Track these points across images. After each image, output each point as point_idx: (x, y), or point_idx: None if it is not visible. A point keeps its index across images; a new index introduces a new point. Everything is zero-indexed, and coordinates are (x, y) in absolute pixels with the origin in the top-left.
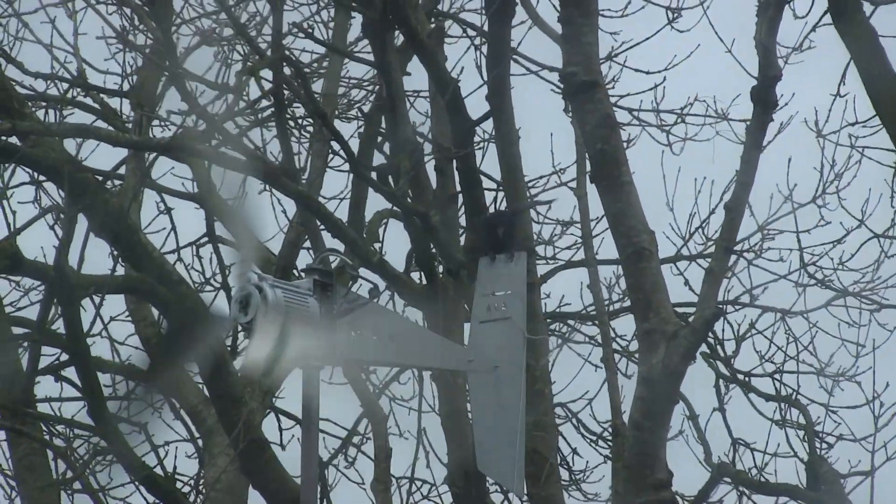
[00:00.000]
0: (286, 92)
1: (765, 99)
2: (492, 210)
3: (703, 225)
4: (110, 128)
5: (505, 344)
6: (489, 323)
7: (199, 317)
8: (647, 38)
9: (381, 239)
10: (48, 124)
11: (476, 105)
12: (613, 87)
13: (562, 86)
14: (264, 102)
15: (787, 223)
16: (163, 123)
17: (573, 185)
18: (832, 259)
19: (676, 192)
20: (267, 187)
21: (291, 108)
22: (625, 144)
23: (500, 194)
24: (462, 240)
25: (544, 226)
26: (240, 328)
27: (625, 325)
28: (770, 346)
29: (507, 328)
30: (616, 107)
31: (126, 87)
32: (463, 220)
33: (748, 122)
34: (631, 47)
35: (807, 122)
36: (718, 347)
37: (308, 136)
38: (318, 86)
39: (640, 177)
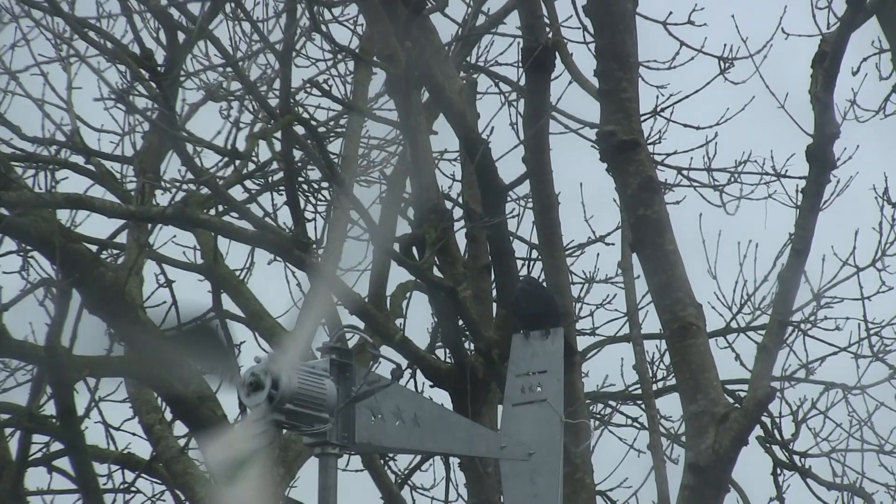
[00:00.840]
0: (298, 153)
1: (821, 159)
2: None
3: (754, 294)
4: (107, 194)
5: (541, 429)
6: (523, 406)
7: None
8: (697, 91)
9: (404, 314)
10: (38, 194)
11: (510, 166)
12: (660, 143)
13: (599, 146)
14: (275, 165)
15: (845, 290)
16: (167, 190)
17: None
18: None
19: (719, 256)
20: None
21: (305, 172)
22: (673, 204)
23: (537, 264)
24: (494, 316)
25: (585, 299)
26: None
27: (669, 405)
28: (825, 423)
29: (542, 411)
30: (663, 165)
31: (124, 147)
32: (495, 294)
33: (803, 184)
34: (679, 101)
35: (875, 190)
36: (775, 430)
37: (324, 202)
38: (334, 147)
39: (684, 241)
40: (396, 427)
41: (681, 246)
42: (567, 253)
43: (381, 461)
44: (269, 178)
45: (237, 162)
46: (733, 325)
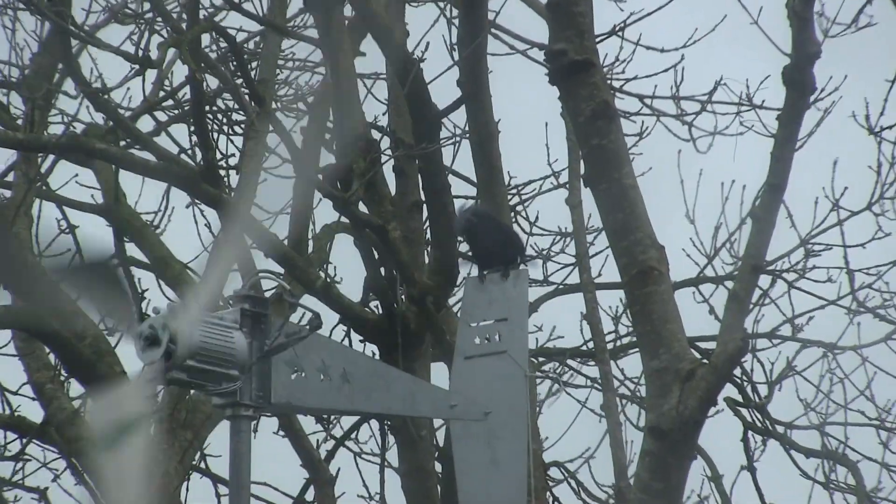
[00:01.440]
0: (209, 75)
1: (800, 81)
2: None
3: (732, 240)
4: None
5: (500, 385)
6: (478, 359)
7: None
8: (661, 7)
9: (328, 259)
10: None
11: (447, 91)
12: (619, 67)
13: (548, 67)
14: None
15: (837, 236)
16: (64, 119)
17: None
18: (887, 283)
19: (698, 199)
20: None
21: (217, 99)
22: (636, 138)
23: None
24: (427, 259)
25: (533, 237)
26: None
27: (632, 365)
28: (817, 394)
29: (501, 364)
30: (622, 92)
31: (11, 73)
32: (429, 234)
33: (780, 111)
34: (641, 18)
35: (855, 117)
36: (749, 391)
37: (239, 132)
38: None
39: (651, 180)
40: (321, 384)
41: (656, 187)
42: (511, 191)
43: (318, 423)
44: (182, 108)
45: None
46: (709, 273)
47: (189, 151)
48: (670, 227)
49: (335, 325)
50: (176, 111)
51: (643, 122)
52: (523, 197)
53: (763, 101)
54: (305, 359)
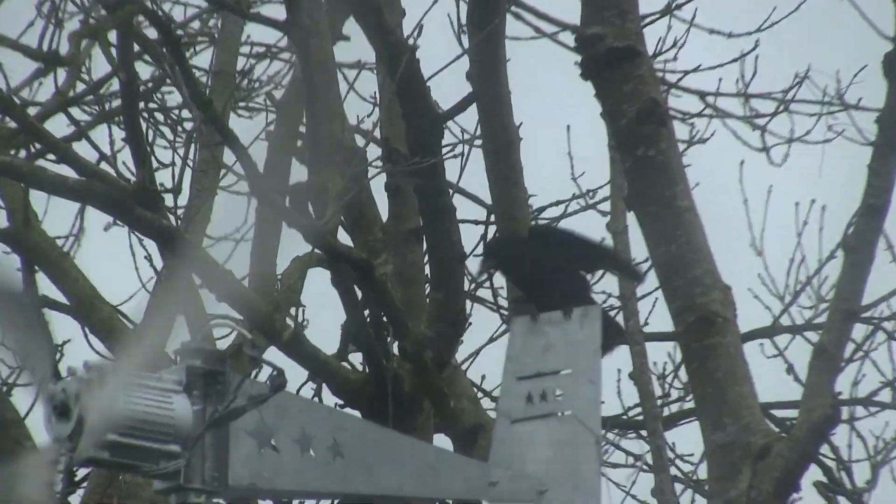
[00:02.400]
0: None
1: None
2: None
3: (815, 278)
4: None
5: (559, 455)
6: (528, 422)
7: None
8: None
9: (299, 302)
10: None
11: (452, 87)
12: (672, 56)
13: (580, 57)
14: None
15: None
16: None
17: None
18: None
19: (767, 224)
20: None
21: (157, 93)
22: (690, 144)
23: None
24: (427, 302)
25: None
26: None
27: (686, 437)
28: None
29: (562, 429)
30: (678, 88)
31: None
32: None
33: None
34: None
35: None
36: (841, 473)
37: (183, 138)
38: (203, 59)
39: (708, 198)
40: (302, 461)
41: (704, 206)
42: (535, 214)
43: None
44: (107, 105)
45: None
46: (785, 321)
47: (112, 158)
48: (730, 260)
49: (302, 385)
50: (99, 107)
51: (693, 125)
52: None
53: (859, 101)
54: (279, 428)
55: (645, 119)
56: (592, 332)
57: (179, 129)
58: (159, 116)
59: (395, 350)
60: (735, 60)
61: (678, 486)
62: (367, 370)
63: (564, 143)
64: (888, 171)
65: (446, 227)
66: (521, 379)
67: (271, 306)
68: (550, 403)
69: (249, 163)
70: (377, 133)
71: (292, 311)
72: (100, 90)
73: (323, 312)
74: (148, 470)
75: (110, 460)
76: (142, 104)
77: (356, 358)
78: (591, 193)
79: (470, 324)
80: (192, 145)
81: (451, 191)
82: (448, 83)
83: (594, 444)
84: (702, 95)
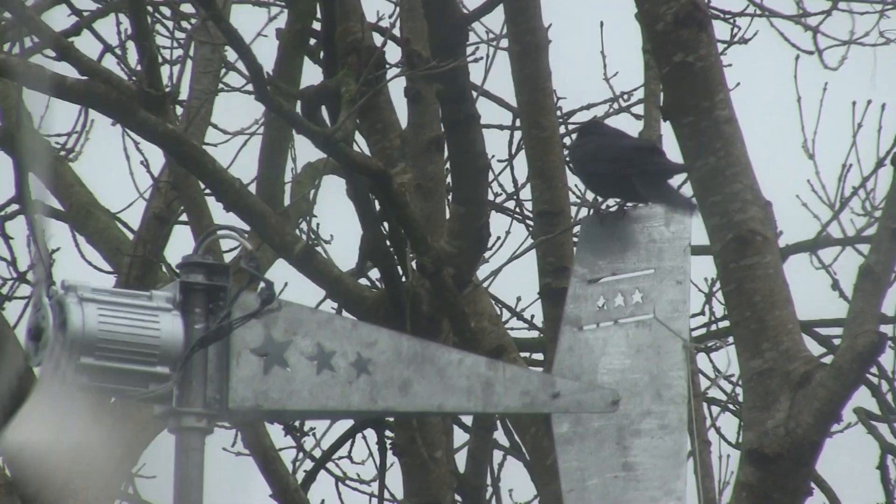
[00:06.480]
0: None
1: None
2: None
3: (867, 187)
4: None
5: (637, 363)
6: (601, 329)
7: None
8: None
9: (312, 213)
10: None
11: None
12: None
13: None
14: None
15: None
16: None
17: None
18: None
19: (819, 128)
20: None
21: None
22: (733, 45)
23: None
24: (448, 216)
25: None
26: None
27: (723, 358)
28: None
29: (640, 335)
30: None
31: None
32: (449, 181)
33: None
34: None
35: None
36: (889, 399)
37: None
38: None
39: (749, 103)
40: (317, 378)
41: (746, 114)
42: (563, 121)
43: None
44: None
45: None
46: (833, 232)
47: (119, 51)
48: (780, 165)
49: (319, 303)
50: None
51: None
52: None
53: None
54: (290, 344)
55: (683, 23)
56: (681, 227)
57: (185, 24)
58: (165, 11)
59: (414, 266)
60: None
61: (715, 409)
62: (385, 287)
63: (597, 45)
64: None
65: (470, 136)
66: (593, 282)
67: (282, 217)
68: (629, 307)
69: (255, 64)
70: (396, 32)
71: (304, 224)
72: None
73: (339, 225)
74: (135, 393)
75: (91, 385)
76: None
77: (375, 275)
78: (625, 96)
79: (498, 238)
80: (192, 43)
81: (475, 96)
82: None
83: (681, 348)
84: None
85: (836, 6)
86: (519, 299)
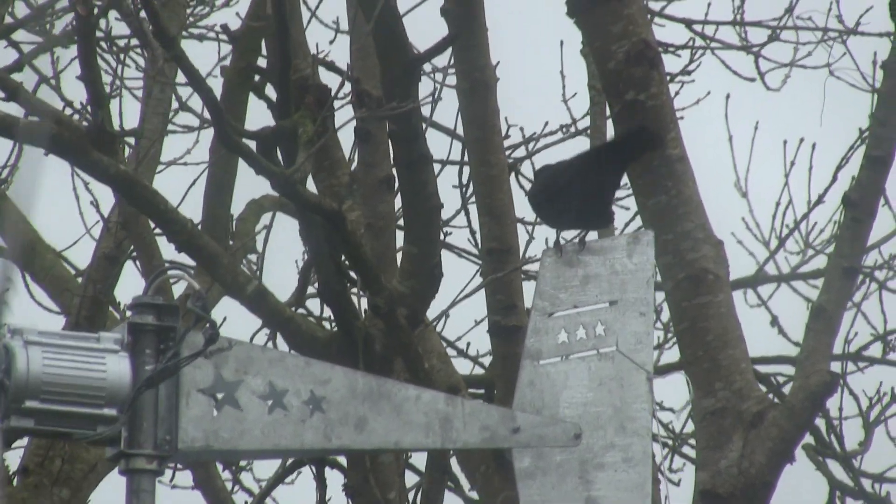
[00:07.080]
0: None
1: None
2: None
3: (804, 221)
4: None
5: (599, 396)
6: (562, 362)
7: None
8: None
9: (260, 248)
10: None
11: (429, 28)
12: None
13: None
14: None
15: None
16: None
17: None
18: None
19: (752, 165)
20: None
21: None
22: (678, 78)
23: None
24: (401, 256)
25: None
26: None
27: (672, 397)
28: None
29: (602, 367)
30: (662, 17)
31: None
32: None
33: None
34: None
35: None
36: (831, 436)
37: (139, 70)
38: None
39: (693, 135)
40: (269, 418)
41: (691, 148)
42: (509, 155)
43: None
44: (50, 23)
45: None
46: (770, 270)
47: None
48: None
49: (255, 333)
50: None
51: (679, 57)
52: (530, 149)
53: (856, 25)
54: (241, 383)
55: (635, 61)
56: (644, 258)
57: (125, 58)
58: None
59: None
60: None
61: (658, 448)
62: (337, 327)
63: (552, 69)
64: (894, 120)
65: (423, 176)
66: (554, 315)
67: (233, 257)
68: (591, 340)
69: (216, 105)
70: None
71: (247, 260)
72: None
73: (276, 256)
74: (83, 436)
75: (37, 429)
76: None
77: (316, 307)
78: (574, 125)
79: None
80: (151, 84)
81: (426, 136)
82: (421, 20)
83: (645, 380)
84: (689, 24)
85: (777, 35)
86: (463, 341)
